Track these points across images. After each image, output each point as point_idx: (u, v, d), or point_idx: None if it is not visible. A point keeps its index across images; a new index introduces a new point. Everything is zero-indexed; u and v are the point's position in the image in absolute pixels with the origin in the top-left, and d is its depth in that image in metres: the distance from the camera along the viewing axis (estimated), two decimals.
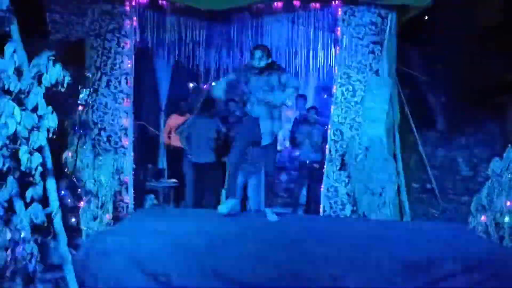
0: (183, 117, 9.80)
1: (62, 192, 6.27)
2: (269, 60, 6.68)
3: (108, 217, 6.54)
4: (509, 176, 6.04)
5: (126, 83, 7.80)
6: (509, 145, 6.23)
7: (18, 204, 4.64)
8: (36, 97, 4.56)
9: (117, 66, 7.80)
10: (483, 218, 6.19)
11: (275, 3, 7.90)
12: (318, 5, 7.95)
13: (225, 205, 6.80)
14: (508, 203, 5.96)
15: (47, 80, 4.63)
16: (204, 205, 8.74)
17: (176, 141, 9.82)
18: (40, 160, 4.55)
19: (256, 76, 6.67)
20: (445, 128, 10.47)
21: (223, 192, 8.62)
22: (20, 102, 4.49)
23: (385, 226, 6.94)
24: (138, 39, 7.98)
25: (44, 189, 4.80)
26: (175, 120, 10.05)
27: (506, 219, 5.95)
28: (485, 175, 6.47)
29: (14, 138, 4.44)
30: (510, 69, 10.39)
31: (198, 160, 8.81)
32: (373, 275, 5.20)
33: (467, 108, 10.06)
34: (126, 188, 7.69)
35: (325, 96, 10.74)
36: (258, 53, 6.60)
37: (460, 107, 10.19)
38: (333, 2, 7.90)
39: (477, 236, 6.19)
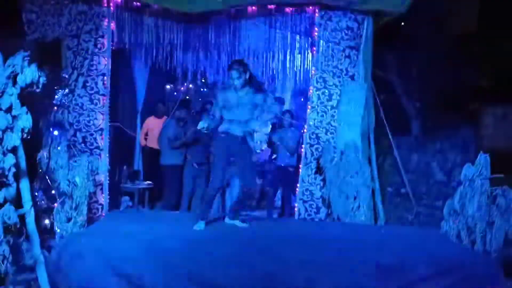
0: (161, 119, 9.81)
1: (36, 193, 6.24)
2: (247, 75, 6.42)
3: (82, 218, 6.51)
4: (481, 181, 6.12)
5: (103, 84, 7.78)
6: (481, 151, 6.32)
7: None
8: (11, 97, 4.54)
9: (94, 67, 7.79)
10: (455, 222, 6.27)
11: (252, 7, 7.91)
12: (295, 9, 7.98)
13: (199, 226, 6.51)
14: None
15: (22, 80, 4.61)
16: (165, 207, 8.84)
17: (152, 143, 9.82)
18: (14, 161, 4.53)
19: (236, 94, 6.44)
20: (419, 133, 10.56)
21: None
22: None
23: (359, 229, 6.99)
24: (115, 40, 7.95)
25: (18, 190, 4.77)
26: (152, 122, 10.05)
27: (478, 224, 6.04)
28: (459, 180, 6.53)
29: None
30: (483, 76, 10.54)
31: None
32: (347, 278, 5.23)
33: (442, 113, 10.15)
34: (101, 190, 7.66)
35: (302, 99, 10.79)
36: (234, 74, 6.35)
37: (434, 113, 10.28)
38: (310, 6, 7.94)
39: (449, 241, 6.26)
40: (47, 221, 6.53)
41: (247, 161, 6.61)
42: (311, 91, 8.01)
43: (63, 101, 7.57)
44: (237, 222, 6.79)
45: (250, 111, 6.50)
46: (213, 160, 6.88)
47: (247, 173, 6.63)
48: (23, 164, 4.83)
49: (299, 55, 8.50)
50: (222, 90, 6.67)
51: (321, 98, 7.93)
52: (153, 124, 10.02)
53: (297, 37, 8.17)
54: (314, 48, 8.01)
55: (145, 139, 10.20)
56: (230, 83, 6.45)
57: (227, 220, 6.86)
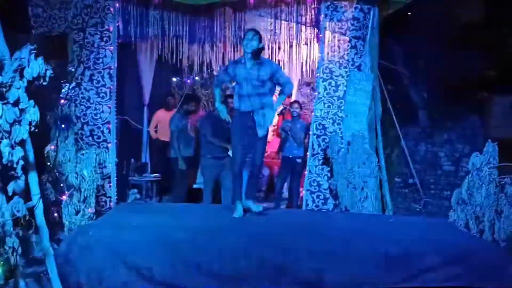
0: (170, 112, 9.83)
1: (44, 186, 6.27)
2: (261, 45, 6.48)
3: (90, 211, 6.54)
4: (489, 170, 6.11)
5: (109, 77, 7.80)
6: (489, 140, 6.31)
7: (0, 198, 4.63)
8: (18, 90, 4.55)
9: (100, 60, 7.81)
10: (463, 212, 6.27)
11: None
12: (301, 0, 7.97)
13: (238, 211, 6.61)
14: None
15: (28, 73, 4.61)
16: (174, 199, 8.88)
17: (162, 135, 9.86)
18: (22, 153, 4.54)
19: (245, 69, 6.49)
20: (427, 123, 10.54)
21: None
22: (1, 96, 4.47)
23: (367, 220, 6.98)
24: (121, 34, 7.96)
25: (26, 183, 4.79)
26: (162, 114, 10.09)
27: (486, 213, 6.03)
28: (467, 170, 6.52)
29: None
30: (490, 65, 10.50)
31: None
32: (355, 268, 5.24)
33: (449, 103, 10.12)
34: (109, 182, 7.69)
35: (308, 90, 10.79)
36: (249, 34, 6.42)
37: (442, 103, 10.26)
38: None
39: (458, 230, 6.25)
40: (55, 214, 6.56)
41: (257, 136, 6.61)
42: (317, 82, 8.00)
43: (70, 94, 7.59)
44: (251, 204, 6.75)
45: (256, 87, 6.49)
46: (231, 138, 6.85)
47: (257, 148, 6.68)
48: (31, 157, 4.84)
49: (305, 46, 8.49)
50: (233, 63, 6.74)
51: (327, 89, 7.91)
52: (163, 117, 10.06)
53: (303, 28, 8.16)
54: (320, 39, 7.99)
55: (155, 131, 10.26)
56: (243, 45, 6.47)
57: (244, 202, 6.78)
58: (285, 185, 9.50)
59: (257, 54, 6.46)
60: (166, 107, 10.18)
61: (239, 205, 6.62)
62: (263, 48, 6.60)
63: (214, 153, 8.43)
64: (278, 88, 6.81)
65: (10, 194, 4.62)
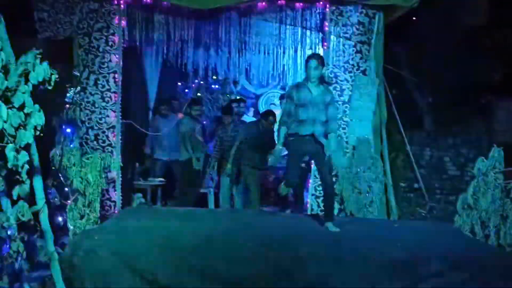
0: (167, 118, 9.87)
1: (49, 190, 6.27)
2: (323, 70, 6.38)
3: (95, 215, 6.54)
4: (495, 175, 6.09)
5: (114, 81, 7.81)
6: (494, 145, 6.29)
7: (5, 202, 4.64)
8: (23, 95, 4.55)
9: (105, 64, 7.82)
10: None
11: (263, 2, 7.90)
12: (305, 4, 7.96)
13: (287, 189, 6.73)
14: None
15: (34, 78, 4.61)
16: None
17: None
18: (27, 158, 4.53)
19: (310, 92, 6.30)
20: (432, 128, 10.52)
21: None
22: (7, 100, 4.48)
23: (372, 225, 6.97)
24: (126, 38, 7.97)
25: (31, 187, 4.79)
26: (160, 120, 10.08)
27: (491, 218, 6.01)
28: (472, 175, 6.51)
29: (0, 136, 4.43)
30: (496, 69, 10.47)
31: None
32: (361, 273, 5.21)
33: (454, 108, 10.10)
34: (114, 187, 7.69)
35: None
36: (313, 63, 6.24)
37: (447, 107, 10.24)
38: (320, 1, 7.92)
39: (463, 235, 6.23)
40: (60, 218, 6.56)
41: (322, 159, 6.35)
42: None
43: (75, 99, 7.60)
44: (330, 225, 6.47)
45: (322, 111, 6.30)
46: (287, 159, 6.82)
47: (325, 172, 6.48)
48: (36, 161, 4.84)
49: (310, 50, 8.49)
50: (295, 87, 6.48)
51: (332, 93, 7.90)
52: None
53: (308, 32, 8.16)
54: (325, 44, 7.99)
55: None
56: (306, 74, 6.33)
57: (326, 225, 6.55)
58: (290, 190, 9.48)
59: (320, 80, 6.35)
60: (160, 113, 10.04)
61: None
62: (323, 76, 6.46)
63: (255, 163, 8.55)
64: None
65: (15, 198, 4.62)
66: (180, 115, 9.70)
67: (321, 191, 7.81)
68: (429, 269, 5.24)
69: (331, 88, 7.22)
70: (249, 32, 8.15)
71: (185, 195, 9.02)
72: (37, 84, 4.66)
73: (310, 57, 6.41)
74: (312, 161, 6.85)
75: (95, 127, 7.78)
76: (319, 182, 7.83)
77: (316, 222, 7.22)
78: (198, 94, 12.08)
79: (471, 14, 10.46)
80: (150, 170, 10.03)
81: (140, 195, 9.10)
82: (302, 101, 6.29)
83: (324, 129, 6.31)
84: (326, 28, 7.95)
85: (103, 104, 7.80)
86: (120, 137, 7.85)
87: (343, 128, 7.89)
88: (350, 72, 7.93)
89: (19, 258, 4.70)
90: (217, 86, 12.25)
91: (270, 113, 8.85)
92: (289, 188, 6.90)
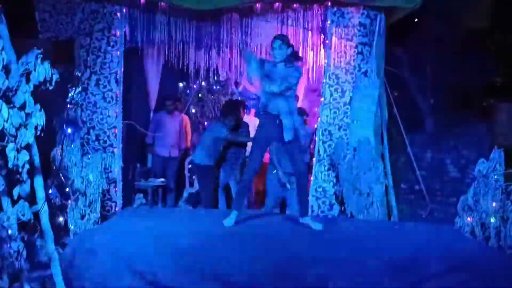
0: (172, 115, 9.90)
1: (50, 190, 6.27)
2: (289, 50, 6.15)
3: (95, 215, 6.54)
4: (495, 177, 6.09)
5: (116, 82, 7.83)
6: (495, 146, 6.29)
7: (5, 202, 4.64)
8: (24, 95, 4.56)
9: (107, 65, 7.84)
10: (469, 219, 6.24)
11: (264, 3, 7.90)
12: (307, 6, 7.96)
13: (230, 219, 6.37)
14: (494, 204, 6.01)
15: (35, 78, 4.63)
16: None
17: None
18: (27, 157, 4.54)
19: (275, 67, 6.17)
20: (433, 130, 10.50)
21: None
22: (8, 100, 4.49)
23: (373, 226, 6.97)
24: (127, 39, 7.98)
25: (32, 187, 4.79)
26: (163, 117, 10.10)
27: (492, 219, 6.00)
28: (473, 176, 6.50)
29: (1, 135, 4.44)
30: (497, 72, 10.47)
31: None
32: (360, 275, 5.20)
33: (455, 110, 10.09)
34: (115, 187, 7.71)
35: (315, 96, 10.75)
36: (276, 43, 6.11)
37: (448, 109, 10.23)
38: (322, 3, 7.92)
39: (464, 237, 6.23)
40: (61, 218, 6.56)
41: (293, 145, 6.26)
42: (323, 87, 8.00)
43: (76, 99, 7.60)
44: (309, 221, 6.46)
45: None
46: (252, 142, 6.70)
47: (296, 159, 6.39)
48: (37, 161, 4.85)
49: (312, 51, 8.49)
50: (266, 60, 6.35)
51: (333, 94, 7.92)
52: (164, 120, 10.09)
53: (309, 33, 8.16)
54: (327, 45, 7.99)
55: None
56: (272, 54, 6.18)
57: (300, 219, 6.55)
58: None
59: (289, 60, 6.20)
60: (168, 110, 10.05)
61: (234, 214, 6.43)
62: (292, 55, 6.25)
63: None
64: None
65: (15, 198, 4.63)
66: (185, 116, 9.73)
67: (322, 192, 7.84)
68: (429, 270, 5.23)
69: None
70: (250, 33, 8.14)
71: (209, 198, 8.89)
72: (38, 84, 4.67)
73: (274, 37, 6.28)
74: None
75: (96, 127, 7.80)
76: (320, 183, 7.86)
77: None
78: (199, 95, 12.07)
79: (473, 16, 10.45)
80: (151, 167, 10.10)
81: (141, 195, 9.12)
82: (268, 73, 6.14)
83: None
84: (327, 29, 7.94)
85: (105, 104, 7.82)
86: (121, 137, 7.86)
87: (344, 130, 7.89)
88: (351, 73, 7.92)
89: (19, 258, 4.69)
90: (218, 87, 12.24)
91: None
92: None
